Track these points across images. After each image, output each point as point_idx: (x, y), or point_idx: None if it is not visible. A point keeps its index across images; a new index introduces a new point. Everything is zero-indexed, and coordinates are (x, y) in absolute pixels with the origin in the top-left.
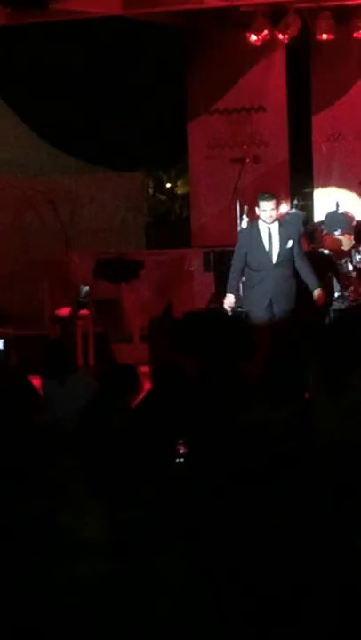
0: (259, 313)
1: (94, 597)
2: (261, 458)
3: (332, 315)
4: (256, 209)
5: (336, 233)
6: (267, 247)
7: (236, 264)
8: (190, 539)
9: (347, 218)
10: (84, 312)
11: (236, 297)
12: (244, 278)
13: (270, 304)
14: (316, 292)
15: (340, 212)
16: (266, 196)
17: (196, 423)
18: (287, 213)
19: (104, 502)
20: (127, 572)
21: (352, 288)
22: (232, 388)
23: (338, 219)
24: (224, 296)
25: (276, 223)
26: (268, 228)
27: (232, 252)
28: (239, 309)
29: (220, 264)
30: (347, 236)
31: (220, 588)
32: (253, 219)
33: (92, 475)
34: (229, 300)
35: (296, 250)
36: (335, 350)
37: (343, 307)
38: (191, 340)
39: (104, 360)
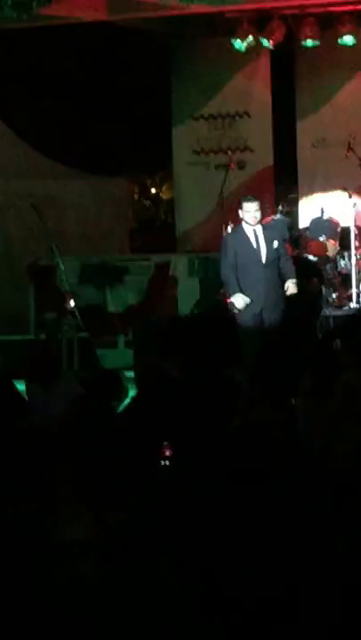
0: (247, 317)
1: (93, 598)
2: (260, 458)
3: (320, 320)
4: (240, 211)
5: (321, 238)
6: (255, 247)
7: (228, 267)
8: (189, 539)
9: (332, 224)
10: (68, 317)
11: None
12: None
13: (261, 311)
14: (290, 282)
15: (325, 217)
16: (249, 197)
17: (192, 425)
18: (272, 219)
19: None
20: (126, 572)
21: (337, 294)
22: (226, 389)
23: (323, 224)
24: (210, 300)
25: (260, 226)
26: (254, 231)
27: (217, 257)
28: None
29: (205, 269)
30: (331, 241)
31: (219, 588)
32: (238, 223)
33: (84, 477)
34: (243, 300)
35: (282, 251)
36: (331, 353)
37: (329, 312)
38: (179, 343)
39: (89, 365)
